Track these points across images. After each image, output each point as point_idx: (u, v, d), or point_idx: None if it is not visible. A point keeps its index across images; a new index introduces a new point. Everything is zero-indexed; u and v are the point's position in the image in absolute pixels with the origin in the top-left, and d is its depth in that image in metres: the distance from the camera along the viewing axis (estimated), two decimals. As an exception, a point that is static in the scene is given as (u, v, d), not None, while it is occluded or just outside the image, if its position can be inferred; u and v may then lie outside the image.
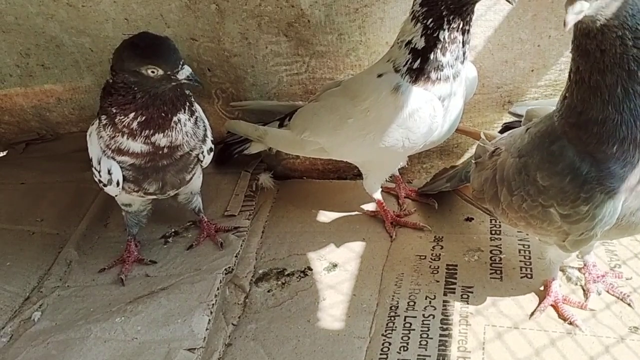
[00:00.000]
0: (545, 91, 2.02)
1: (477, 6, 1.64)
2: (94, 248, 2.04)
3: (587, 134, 1.30)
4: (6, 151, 2.57)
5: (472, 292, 1.70)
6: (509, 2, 1.54)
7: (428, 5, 1.59)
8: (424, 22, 1.61)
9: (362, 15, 1.94)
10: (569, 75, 1.33)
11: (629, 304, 1.61)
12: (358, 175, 2.09)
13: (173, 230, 2.07)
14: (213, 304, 1.73)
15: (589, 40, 1.23)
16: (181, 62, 1.58)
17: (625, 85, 1.23)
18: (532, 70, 1.99)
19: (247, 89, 2.19)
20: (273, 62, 2.11)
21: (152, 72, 1.57)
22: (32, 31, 2.21)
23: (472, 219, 1.97)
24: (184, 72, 1.58)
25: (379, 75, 1.72)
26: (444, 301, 1.68)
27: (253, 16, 2.01)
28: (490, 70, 1.99)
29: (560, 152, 1.35)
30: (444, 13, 1.58)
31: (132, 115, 1.64)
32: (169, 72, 1.58)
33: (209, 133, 1.83)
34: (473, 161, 1.73)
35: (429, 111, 1.68)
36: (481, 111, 2.08)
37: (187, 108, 1.71)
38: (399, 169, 2.09)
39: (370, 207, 2.08)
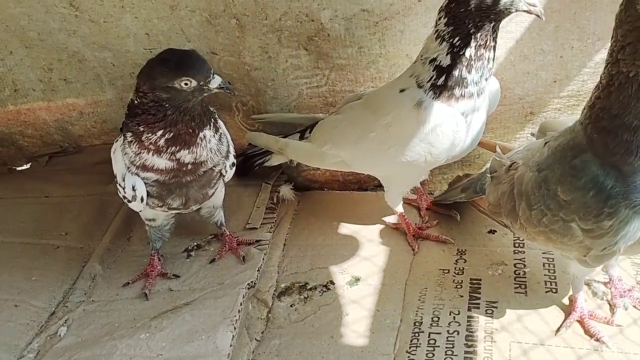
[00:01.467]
0: (568, 102, 2.00)
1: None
2: (118, 262, 2.06)
3: (615, 141, 1.29)
4: (29, 164, 2.60)
5: (496, 307, 1.69)
6: (539, 16, 1.53)
7: (454, 25, 1.59)
8: (450, 40, 1.60)
9: (382, 28, 1.95)
10: (605, 79, 1.29)
11: (656, 320, 1.60)
12: (379, 186, 2.09)
13: (195, 243, 2.09)
14: (237, 320, 1.75)
15: None
16: (212, 72, 1.61)
17: None
18: (555, 82, 1.97)
19: (268, 101, 2.21)
20: (293, 76, 2.13)
21: (186, 84, 1.60)
22: (55, 47, 2.23)
23: (495, 231, 1.96)
24: (216, 82, 1.62)
25: (402, 90, 1.72)
26: (468, 317, 1.68)
27: (273, 30, 2.02)
28: (512, 81, 1.99)
29: (583, 166, 1.34)
30: (471, 31, 1.57)
31: (160, 132, 1.66)
32: (201, 83, 1.60)
33: (231, 149, 1.85)
34: (488, 175, 1.73)
35: (452, 127, 1.68)
36: (503, 122, 2.07)
37: (212, 124, 1.73)
38: (420, 181, 2.09)
39: (391, 219, 2.08)
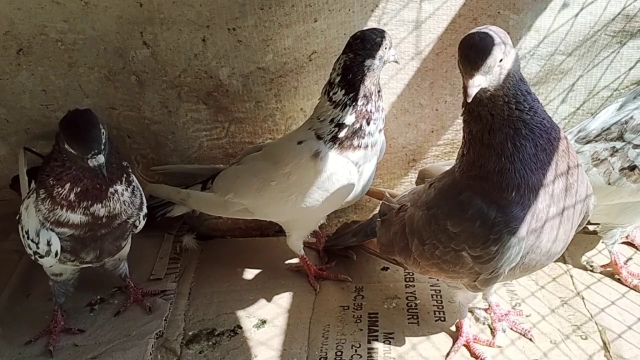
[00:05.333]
0: (445, 149, 2.24)
1: (381, 75, 1.84)
2: (18, 320, 2.01)
3: (488, 183, 1.47)
4: None
5: (393, 338, 1.84)
6: (396, 62, 1.81)
7: (353, 90, 1.78)
8: (353, 103, 1.79)
9: (277, 84, 2.09)
10: (464, 137, 1.51)
11: (530, 339, 1.79)
12: (280, 231, 2.19)
13: (99, 297, 2.09)
14: (147, 370, 1.77)
15: (481, 107, 1.43)
16: (94, 152, 1.61)
17: (514, 140, 1.42)
18: (432, 132, 2.20)
19: (168, 154, 2.27)
20: (193, 128, 2.21)
21: (68, 149, 1.64)
22: (-55, 103, 2.18)
23: (388, 268, 2.13)
24: (94, 162, 1.61)
25: (300, 142, 1.86)
26: (368, 348, 1.81)
27: (173, 86, 2.10)
28: (395, 132, 2.19)
29: (469, 200, 1.51)
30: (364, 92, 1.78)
31: (67, 186, 1.68)
32: (80, 156, 1.63)
33: (144, 200, 1.90)
34: (378, 219, 1.88)
35: (346, 175, 1.84)
36: (389, 169, 2.27)
37: (124, 179, 1.77)
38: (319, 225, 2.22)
39: (294, 261, 2.19)
